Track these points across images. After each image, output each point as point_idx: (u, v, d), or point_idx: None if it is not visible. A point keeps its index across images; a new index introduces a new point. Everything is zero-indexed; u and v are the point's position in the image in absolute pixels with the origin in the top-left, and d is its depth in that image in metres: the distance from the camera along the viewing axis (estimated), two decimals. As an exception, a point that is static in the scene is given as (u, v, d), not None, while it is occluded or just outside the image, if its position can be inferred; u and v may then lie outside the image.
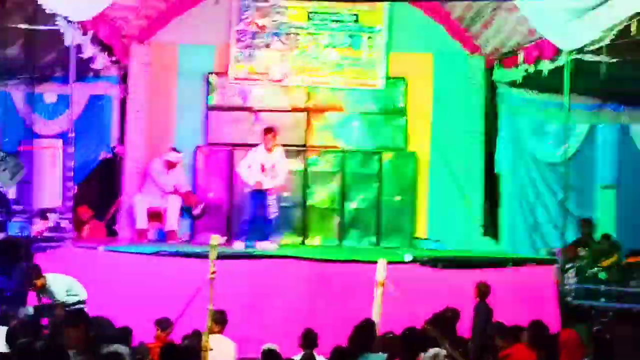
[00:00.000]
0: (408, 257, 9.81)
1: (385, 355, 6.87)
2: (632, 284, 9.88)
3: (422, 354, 6.72)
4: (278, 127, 10.83)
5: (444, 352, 6.92)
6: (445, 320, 7.95)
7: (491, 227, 12.18)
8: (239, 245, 10.16)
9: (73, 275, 8.71)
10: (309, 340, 7.33)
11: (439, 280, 9.50)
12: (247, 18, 11.69)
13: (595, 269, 10.29)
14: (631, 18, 8.13)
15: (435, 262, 9.96)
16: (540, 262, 10.35)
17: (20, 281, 8.67)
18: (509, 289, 9.25)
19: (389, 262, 8.49)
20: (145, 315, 7.77)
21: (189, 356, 6.36)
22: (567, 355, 6.91)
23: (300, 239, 11.48)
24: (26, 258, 8.94)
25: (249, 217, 10.59)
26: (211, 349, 6.67)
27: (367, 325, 7.21)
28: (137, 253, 9.74)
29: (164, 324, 7.46)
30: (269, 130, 10.38)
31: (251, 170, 10.34)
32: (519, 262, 10.18)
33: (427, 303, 8.33)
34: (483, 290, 8.53)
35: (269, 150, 10.33)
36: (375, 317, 7.84)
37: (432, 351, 6.81)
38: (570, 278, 10.22)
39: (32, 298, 8.37)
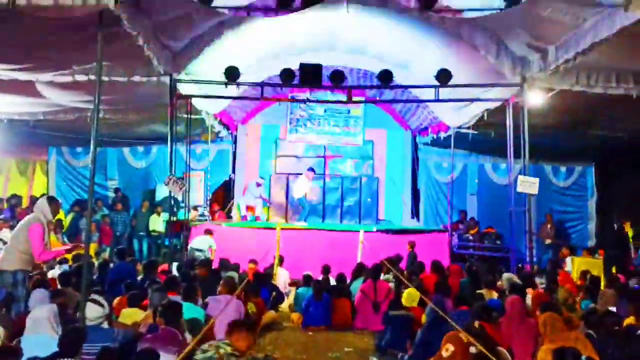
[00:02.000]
0: (374, 229, 14.25)
1: (363, 277, 10.07)
2: (485, 242, 15.55)
3: (382, 276, 9.94)
4: (312, 165, 16.30)
5: (391, 276, 10.21)
6: (394, 260, 11.63)
7: (415, 214, 17.99)
8: (302, 223, 15.02)
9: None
10: (325, 270, 10.95)
11: (390, 240, 13.65)
12: (294, 112, 17.66)
13: (467, 234, 16.17)
14: (484, 111, 12.42)
15: (388, 231, 14.41)
16: (439, 231, 14.84)
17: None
18: (424, 245, 13.27)
19: (365, 231, 13.36)
20: (244, 258, 11.48)
21: (267, 277, 10.40)
22: (454, 277, 10.15)
23: (320, 219, 16.78)
24: (187, 230, 13.18)
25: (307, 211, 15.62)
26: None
27: (359, 265, 11.17)
28: (241, 227, 14.56)
29: (254, 261, 11.27)
30: (311, 170, 15.95)
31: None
32: (429, 231, 14.65)
33: (384, 252, 12.13)
34: (412, 245, 12.91)
35: (310, 180, 15.68)
36: (359, 259, 12.20)
37: (385, 276, 10.19)
38: (455, 239, 15.49)
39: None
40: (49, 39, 7.53)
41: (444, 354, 5.36)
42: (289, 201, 17.10)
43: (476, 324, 5.62)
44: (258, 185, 16.80)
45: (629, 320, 6.86)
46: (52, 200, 7.89)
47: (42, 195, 12.57)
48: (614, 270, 12.01)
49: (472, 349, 5.20)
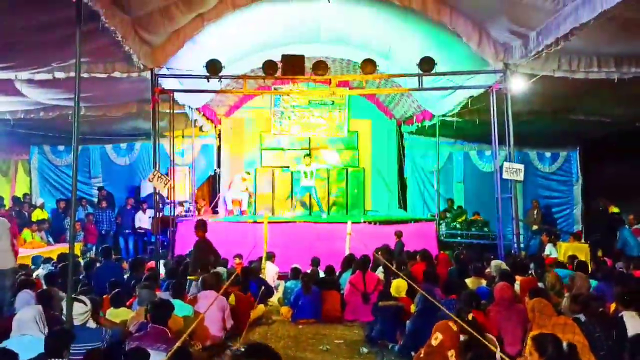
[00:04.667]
0: (362, 220, 14.15)
1: (352, 269, 10.05)
2: (472, 230, 15.26)
3: (369, 268, 9.69)
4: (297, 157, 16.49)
5: (381, 267, 10.21)
6: (383, 250, 11.44)
7: (402, 203, 18.17)
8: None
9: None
10: (315, 262, 10.96)
11: (378, 231, 13.63)
12: (278, 104, 17.56)
13: (454, 223, 15.90)
14: (468, 99, 12.34)
15: (375, 222, 14.27)
16: (427, 220, 15.08)
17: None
18: (412, 234, 13.41)
19: (352, 222, 13.26)
20: (232, 253, 11.55)
21: (255, 272, 10.20)
22: (442, 266, 10.23)
23: (308, 212, 16.59)
24: (173, 225, 13.15)
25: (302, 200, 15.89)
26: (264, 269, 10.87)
27: (347, 257, 11.13)
28: (227, 221, 14.49)
29: (239, 256, 11.40)
30: (306, 155, 16.24)
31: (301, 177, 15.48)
32: (416, 220, 14.79)
33: (372, 242, 12.11)
34: (399, 235, 12.99)
35: (307, 165, 15.54)
36: (347, 251, 12.10)
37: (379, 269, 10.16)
38: (443, 227, 15.55)
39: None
40: (27, 36, 7.45)
41: (434, 342, 5.33)
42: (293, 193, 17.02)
43: (470, 316, 5.53)
44: (243, 179, 16.71)
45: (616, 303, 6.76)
46: None
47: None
48: (600, 254, 11.96)
49: (462, 337, 5.16)
